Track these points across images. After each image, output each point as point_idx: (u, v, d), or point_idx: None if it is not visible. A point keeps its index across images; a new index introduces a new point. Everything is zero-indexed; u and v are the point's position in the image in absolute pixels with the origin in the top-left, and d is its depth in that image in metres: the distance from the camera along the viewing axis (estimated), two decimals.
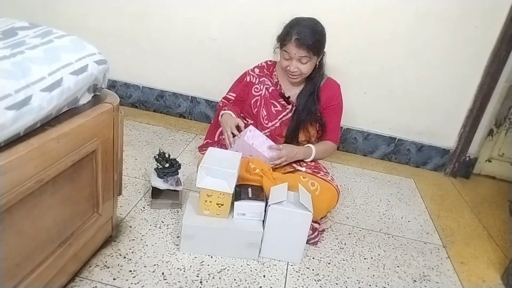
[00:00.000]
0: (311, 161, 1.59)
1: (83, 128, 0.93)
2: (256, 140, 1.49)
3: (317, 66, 1.57)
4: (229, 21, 2.15)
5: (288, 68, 1.52)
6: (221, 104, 1.74)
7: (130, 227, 1.36)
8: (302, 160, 1.58)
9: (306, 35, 1.45)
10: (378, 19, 2.02)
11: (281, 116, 1.65)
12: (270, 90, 1.65)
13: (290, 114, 1.64)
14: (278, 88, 1.65)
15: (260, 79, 1.68)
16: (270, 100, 1.65)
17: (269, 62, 1.71)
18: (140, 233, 1.34)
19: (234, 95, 1.72)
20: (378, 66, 2.12)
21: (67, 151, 0.89)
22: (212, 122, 1.83)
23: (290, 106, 1.64)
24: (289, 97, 1.63)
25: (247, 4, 2.10)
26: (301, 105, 1.60)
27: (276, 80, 1.66)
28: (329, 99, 1.63)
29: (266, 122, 1.64)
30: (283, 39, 1.51)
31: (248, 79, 1.71)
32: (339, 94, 1.66)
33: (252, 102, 1.67)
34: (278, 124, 1.64)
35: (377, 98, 2.20)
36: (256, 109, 1.66)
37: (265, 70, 1.69)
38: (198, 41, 2.23)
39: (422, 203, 1.90)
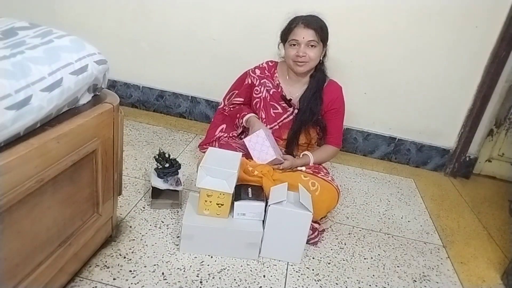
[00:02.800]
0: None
1: (83, 128, 0.93)
2: (270, 140, 1.49)
3: (320, 61, 1.58)
4: (229, 21, 2.15)
5: (296, 54, 1.51)
6: (231, 109, 1.74)
7: (130, 227, 1.36)
8: None
9: (311, 19, 1.50)
10: (378, 19, 2.02)
11: (281, 119, 1.64)
12: (271, 92, 1.64)
13: (291, 117, 1.63)
14: (279, 90, 1.64)
15: (261, 81, 1.67)
16: (270, 102, 1.64)
17: (270, 63, 1.70)
18: (140, 233, 1.34)
19: (242, 99, 1.72)
20: (378, 66, 2.12)
21: (67, 151, 0.89)
22: (211, 123, 1.82)
23: (291, 109, 1.63)
24: (290, 99, 1.62)
25: (247, 4, 2.10)
26: (304, 106, 1.59)
27: (278, 82, 1.65)
28: (332, 102, 1.62)
29: (265, 125, 1.63)
30: (288, 28, 1.53)
31: (249, 81, 1.70)
32: (341, 97, 1.65)
33: (253, 103, 1.67)
34: (277, 127, 1.64)
35: (377, 98, 2.20)
36: (257, 111, 1.66)
37: (266, 72, 1.68)
38: (198, 41, 2.23)
39: (422, 203, 1.90)
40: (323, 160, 1.65)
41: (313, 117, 1.59)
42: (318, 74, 1.59)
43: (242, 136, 1.72)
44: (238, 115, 1.69)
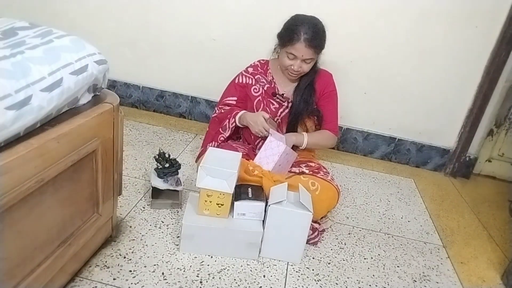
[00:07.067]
0: (305, 148, 1.60)
1: (83, 128, 0.93)
2: (282, 159, 1.48)
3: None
4: (229, 21, 2.15)
5: (292, 67, 1.52)
6: (222, 111, 1.71)
7: (130, 227, 1.36)
8: (304, 162, 1.59)
9: (313, 36, 1.47)
10: (378, 19, 2.02)
11: (279, 113, 1.66)
12: (265, 88, 1.67)
13: (287, 111, 1.65)
14: (272, 86, 1.66)
15: (255, 77, 1.69)
16: (267, 99, 1.67)
17: (262, 61, 1.72)
18: (140, 233, 1.34)
19: (235, 98, 1.71)
20: (378, 66, 2.12)
21: (67, 151, 0.89)
22: (207, 131, 1.76)
23: (286, 103, 1.64)
24: (283, 94, 1.64)
25: (247, 4, 2.10)
26: (298, 98, 1.61)
27: (271, 77, 1.67)
28: (324, 87, 1.65)
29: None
30: (289, 39, 1.49)
31: (244, 81, 1.70)
32: (332, 82, 1.68)
33: (255, 102, 1.67)
34: (279, 121, 1.65)
35: (377, 98, 2.20)
36: (260, 109, 1.66)
37: (259, 69, 1.70)
38: (198, 41, 2.23)
39: (422, 203, 1.90)
40: (319, 143, 1.64)
41: (307, 108, 1.61)
42: (311, 70, 1.60)
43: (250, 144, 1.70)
44: (228, 116, 1.66)
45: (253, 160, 1.49)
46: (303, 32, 1.46)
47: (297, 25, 1.48)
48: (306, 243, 1.33)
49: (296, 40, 1.47)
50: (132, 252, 1.25)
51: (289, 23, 1.53)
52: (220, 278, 1.20)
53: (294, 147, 1.57)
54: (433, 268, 1.43)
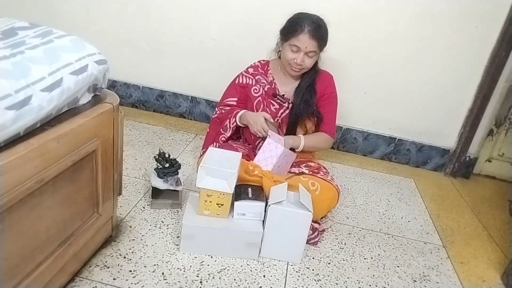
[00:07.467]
0: (303, 150, 1.61)
1: (83, 128, 0.93)
2: (281, 160, 1.49)
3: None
4: (228, 21, 2.15)
5: (295, 60, 1.52)
6: (223, 112, 1.71)
7: (130, 227, 1.36)
8: (304, 162, 1.59)
9: (317, 28, 1.48)
10: (378, 19, 2.03)
11: (279, 114, 1.66)
12: (266, 89, 1.67)
13: (287, 111, 1.65)
14: (273, 86, 1.66)
15: (256, 78, 1.68)
16: (267, 99, 1.66)
17: (262, 62, 1.72)
18: (140, 233, 1.34)
19: (236, 98, 1.71)
20: (378, 66, 2.12)
21: (67, 151, 0.89)
22: (208, 132, 1.76)
23: (286, 104, 1.64)
24: (283, 95, 1.64)
25: (247, 4, 2.10)
26: (298, 99, 1.61)
27: (272, 78, 1.67)
28: (324, 88, 1.65)
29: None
30: (293, 31, 1.50)
31: (244, 81, 1.70)
32: (333, 83, 1.68)
33: (255, 103, 1.67)
34: (279, 121, 1.65)
35: (377, 98, 2.20)
36: (260, 110, 1.66)
37: (259, 69, 1.70)
38: (198, 41, 2.23)
39: (422, 203, 1.90)
40: (315, 145, 1.65)
41: (308, 109, 1.61)
42: (311, 70, 1.60)
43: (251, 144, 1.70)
44: (229, 115, 1.67)
45: (253, 160, 1.49)
46: (307, 24, 1.48)
47: (301, 18, 1.50)
48: (306, 243, 1.33)
49: (300, 31, 1.48)
50: (132, 252, 1.25)
51: (292, 18, 1.55)
52: (220, 278, 1.20)
53: (291, 150, 1.58)
54: (433, 268, 1.43)
